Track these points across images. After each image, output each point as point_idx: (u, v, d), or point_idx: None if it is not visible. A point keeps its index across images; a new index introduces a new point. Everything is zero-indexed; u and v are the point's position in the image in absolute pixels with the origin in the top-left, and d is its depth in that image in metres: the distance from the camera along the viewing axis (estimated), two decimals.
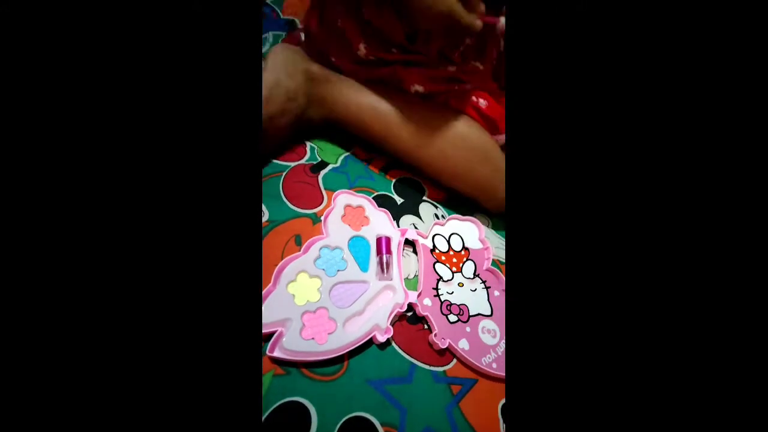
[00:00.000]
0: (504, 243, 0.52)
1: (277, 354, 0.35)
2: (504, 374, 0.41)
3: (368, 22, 0.47)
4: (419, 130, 0.48)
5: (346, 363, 0.38)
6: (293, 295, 0.39)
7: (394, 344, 0.40)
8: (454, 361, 0.41)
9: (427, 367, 0.40)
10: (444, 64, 0.50)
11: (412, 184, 0.54)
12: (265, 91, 0.45)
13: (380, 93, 0.49)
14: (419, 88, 0.49)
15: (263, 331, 0.36)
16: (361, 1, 0.46)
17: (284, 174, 0.49)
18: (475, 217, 0.52)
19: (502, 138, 0.51)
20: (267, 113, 0.45)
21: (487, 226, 0.53)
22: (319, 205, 0.48)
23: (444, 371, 0.40)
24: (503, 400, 0.40)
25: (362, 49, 0.48)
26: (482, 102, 0.50)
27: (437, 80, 0.50)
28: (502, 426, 0.39)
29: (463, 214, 0.52)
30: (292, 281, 0.40)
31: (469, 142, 0.48)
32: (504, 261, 0.51)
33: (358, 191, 0.50)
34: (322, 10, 0.51)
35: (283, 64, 0.48)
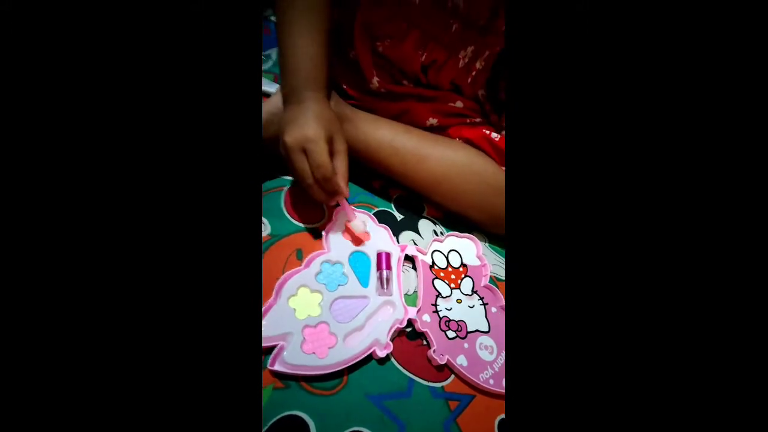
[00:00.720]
0: (502, 260, 0.53)
1: (277, 368, 0.35)
2: (501, 390, 0.41)
3: (383, 55, 0.48)
4: (436, 167, 0.49)
5: (345, 377, 0.38)
6: (294, 309, 0.39)
7: (393, 359, 0.41)
8: (452, 376, 0.42)
9: (425, 382, 0.40)
10: (454, 97, 0.52)
11: (411, 200, 0.55)
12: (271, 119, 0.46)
13: (396, 126, 0.50)
14: (433, 121, 0.51)
15: (264, 344, 0.37)
16: (377, 34, 0.48)
17: (286, 188, 0.50)
18: (473, 234, 0.53)
19: None
20: (270, 134, 0.46)
21: (485, 244, 0.54)
22: (320, 219, 0.49)
23: (442, 387, 0.41)
24: (501, 416, 0.41)
25: (375, 82, 0.50)
26: (495, 135, 0.52)
27: (449, 114, 0.51)
28: None
29: (461, 232, 0.53)
30: (293, 295, 0.40)
31: (484, 177, 0.50)
32: (501, 278, 0.51)
33: (358, 207, 0.51)
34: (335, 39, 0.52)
35: None
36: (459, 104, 0.52)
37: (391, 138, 0.49)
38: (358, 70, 0.50)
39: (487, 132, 0.52)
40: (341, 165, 0.41)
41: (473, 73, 0.51)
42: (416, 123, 0.52)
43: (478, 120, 0.53)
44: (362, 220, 0.45)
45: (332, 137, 0.41)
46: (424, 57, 0.48)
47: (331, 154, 0.41)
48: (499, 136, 0.52)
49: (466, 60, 0.50)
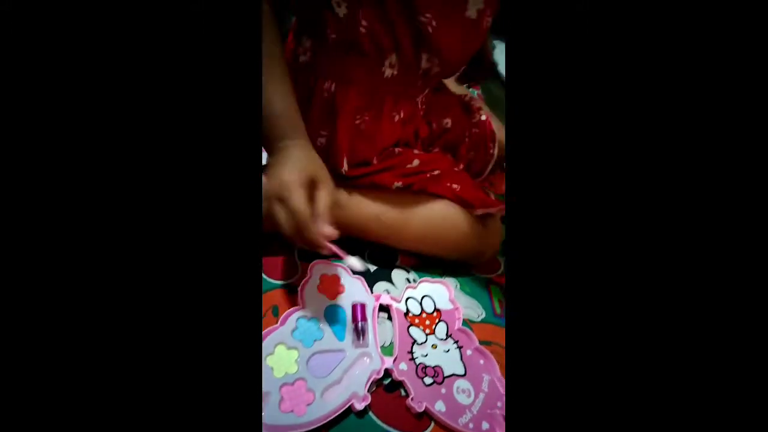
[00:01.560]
0: (473, 302, 0.55)
1: None
2: None
3: (363, 132, 0.52)
4: (419, 228, 0.56)
5: None
6: (272, 368, 0.40)
7: (371, 414, 0.41)
8: (432, 425, 0.42)
9: None
10: (411, 156, 0.56)
11: (384, 250, 0.58)
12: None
13: (377, 199, 0.55)
14: (398, 183, 0.56)
15: None
16: (362, 105, 0.51)
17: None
18: (445, 279, 0.56)
19: (476, 211, 0.57)
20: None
21: (456, 288, 0.56)
22: (294, 275, 0.50)
23: None
24: None
25: (345, 166, 0.53)
26: (455, 186, 0.57)
27: (410, 174, 0.56)
28: None
29: (433, 277, 0.55)
30: (270, 354, 0.41)
31: (457, 224, 0.56)
32: (474, 320, 0.53)
33: (333, 260, 0.53)
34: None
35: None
36: (416, 162, 0.56)
37: (377, 214, 0.54)
38: (325, 157, 0.52)
39: (449, 184, 0.56)
40: (320, 206, 0.40)
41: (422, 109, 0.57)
42: (384, 188, 0.56)
43: (436, 173, 0.57)
44: (357, 258, 0.44)
45: (314, 180, 0.41)
46: (401, 115, 0.53)
47: (314, 197, 0.41)
48: (458, 186, 0.56)
49: (423, 101, 0.56)
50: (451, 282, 0.56)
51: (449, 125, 0.66)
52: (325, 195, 0.41)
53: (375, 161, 0.55)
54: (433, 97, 0.61)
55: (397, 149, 0.56)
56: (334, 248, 0.42)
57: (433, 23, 0.44)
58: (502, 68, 1.72)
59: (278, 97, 0.43)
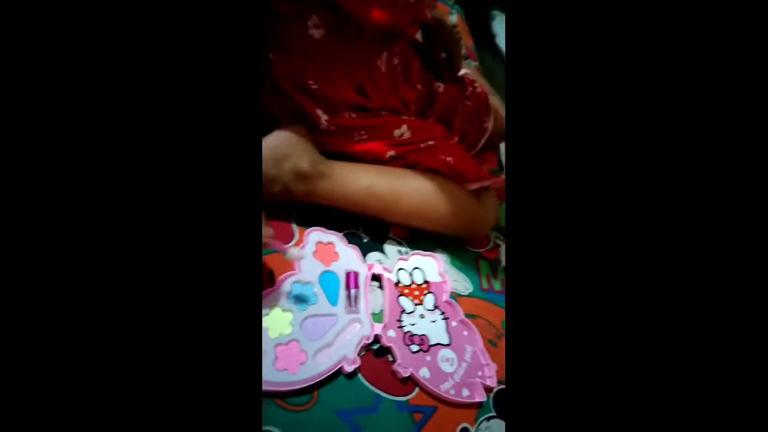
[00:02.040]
0: (462, 276, 0.57)
1: None
2: (462, 399, 0.45)
3: (317, 95, 0.52)
4: (411, 202, 0.55)
5: (316, 393, 0.40)
6: (267, 328, 0.41)
7: (360, 376, 0.43)
8: (416, 390, 0.45)
9: (391, 397, 0.43)
10: (398, 121, 0.56)
11: (376, 223, 0.58)
12: None
13: (368, 171, 0.54)
14: (392, 153, 0.55)
15: None
16: (300, 83, 0.51)
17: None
18: (435, 252, 0.57)
19: (471, 185, 0.57)
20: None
21: (446, 262, 0.58)
22: (291, 241, 0.51)
23: (407, 400, 0.44)
24: (462, 425, 0.44)
25: (324, 121, 0.53)
26: (449, 159, 0.56)
27: (402, 144, 0.56)
28: None
29: (424, 250, 0.57)
30: (266, 315, 0.42)
31: (451, 199, 0.56)
32: (461, 293, 0.55)
33: (328, 228, 0.53)
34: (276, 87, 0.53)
35: (277, 149, 0.50)
36: (404, 128, 0.56)
37: (367, 185, 0.53)
38: (304, 115, 0.53)
39: (443, 157, 0.56)
40: None
41: (399, 71, 0.57)
42: (377, 158, 0.56)
43: (430, 143, 0.57)
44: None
45: None
46: (350, 82, 0.53)
47: None
48: (452, 158, 0.56)
49: (384, 65, 0.55)
50: (442, 256, 0.58)
51: (441, 89, 0.65)
52: None
53: (354, 116, 0.54)
54: (417, 62, 0.60)
55: (383, 112, 0.56)
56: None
57: None
58: (500, 41, 1.68)
59: None
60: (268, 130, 0.51)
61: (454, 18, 1.05)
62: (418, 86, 0.61)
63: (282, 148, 0.50)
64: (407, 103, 0.59)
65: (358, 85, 0.53)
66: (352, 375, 0.42)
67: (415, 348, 0.47)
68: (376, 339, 0.46)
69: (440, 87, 0.65)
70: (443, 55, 0.69)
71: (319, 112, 0.52)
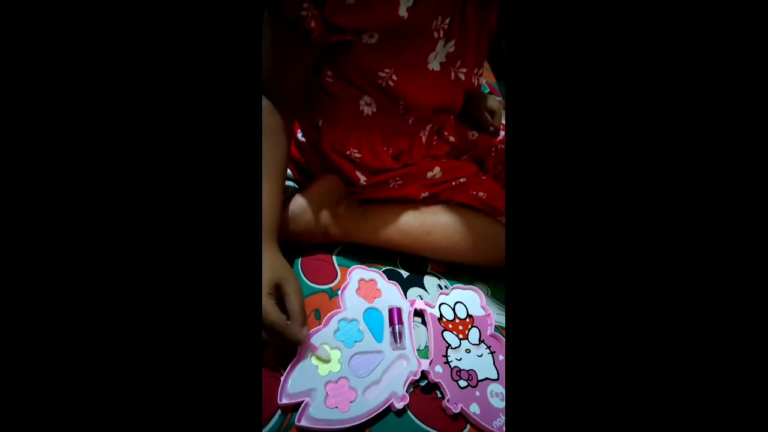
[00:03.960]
0: (504, 309, 0.57)
1: (304, 423, 0.38)
2: None
3: (357, 161, 0.55)
4: (442, 236, 0.57)
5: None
6: (316, 366, 0.42)
7: (410, 413, 0.43)
8: (468, 426, 0.44)
9: None
10: (431, 164, 0.58)
11: (414, 258, 0.60)
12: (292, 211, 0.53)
13: (398, 210, 0.57)
14: (425, 194, 0.58)
15: (291, 401, 0.39)
16: (342, 150, 0.54)
17: (300, 259, 0.55)
18: (476, 285, 0.57)
19: (504, 218, 0.58)
20: (294, 231, 0.53)
21: (487, 295, 0.58)
22: (334, 280, 0.53)
23: None
24: None
25: (363, 181, 0.56)
26: (481, 194, 0.58)
27: (435, 185, 0.58)
28: None
29: (464, 284, 0.57)
30: (314, 353, 0.43)
31: (482, 232, 0.57)
32: (503, 327, 0.55)
33: (368, 266, 0.55)
34: (317, 150, 0.57)
35: (315, 196, 0.54)
36: (437, 170, 0.59)
37: (398, 223, 0.56)
38: (343, 176, 0.57)
39: (475, 192, 0.58)
40: (293, 308, 0.41)
41: (434, 133, 0.59)
42: (412, 200, 0.58)
43: (462, 180, 0.59)
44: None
45: (279, 284, 0.42)
46: (390, 151, 0.55)
47: (283, 297, 0.42)
48: (484, 194, 0.58)
49: (427, 134, 0.57)
50: (482, 288, 0.58)
51: (475, 137, 0.68)
52: (293, 298, 0.42)
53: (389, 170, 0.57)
54: (451, 118, 0.63)
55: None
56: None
57: (393, 77, 0.46)
58: None
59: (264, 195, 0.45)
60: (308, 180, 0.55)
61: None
62: (451, 138, 0.64)
63: (318, 197, 0.54)
64: (439, 157, 0.62)
65: (398, 153, 0.56)
66: (401, 412, 0.42)
67: (463, 383, 0.46)
68: (423, 375, 0.46)
69: (474, 135, 0.68)
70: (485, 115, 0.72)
71: (358, 173, 0.56)
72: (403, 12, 0.41)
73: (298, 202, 0.54)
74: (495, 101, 0.76)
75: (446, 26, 0.45)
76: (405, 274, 0.57)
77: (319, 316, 0.48)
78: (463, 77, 0.51)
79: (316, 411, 0.39)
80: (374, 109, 0.51)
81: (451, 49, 0.47)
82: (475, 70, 0.54)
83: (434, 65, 0.47)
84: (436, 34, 0.45)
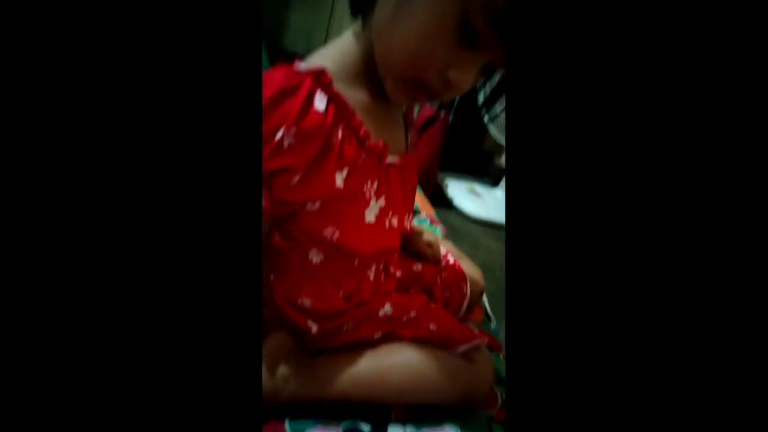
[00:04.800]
0: None
1: None
2: None
3: (310, 309, 0.56)
4: (398, 380, 0.55)
5: None
6: None
7: None
8: None
9: None
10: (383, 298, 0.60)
11: (374, 408, 0.56)
12: None
13: (350, 357, 0.56)
14: (378, 333, 0.58)
15: None
16: (301, 290, 0.56)
17: None
18: (444, 427, 0.53)
19: (459, 348, 0.58)
20: None
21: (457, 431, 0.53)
22: None
23: None
24: None
25: (313, 329, 0.57)
26: (432, 326, 0.59)
27: (386, 323, 0.59)
28: None
29: (432, 427, 0.53)
30: None
31: (444, 370, 0.55)
32: None
33: (326, 426, 0.51)
34: (268, 305, 0.58)
35: (265, 357, 0.53)
36: (388, 307, 0.60)
37: (350, 372, 0.54)
38: (294, 326, 0.57)
39: (426, 325, 0.58)
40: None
41: (381, 271, 0.62)
42: (366, 343, 0.57)
43: (412, 314, 0.60)
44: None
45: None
46: (341, 293, 0.58)
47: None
48: (435, 325, 0.58)
49: (373, 273, 0.60)
50: (452, 428, 0.53)
51: (420, 268, 0.72)
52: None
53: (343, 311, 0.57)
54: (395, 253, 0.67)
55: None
56: None
57: (336, 233, 0.52)
58: (458, 202, 1.94)
59: None
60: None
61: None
62: (398, 273, 0.67)
63: (268, 357, 0.53)
64: (388, 293, 0.64)
65: (348, 295, 0.58)
66: None
67: None
68: None
69: (418, 267, 0.72)
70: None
71: (309, 323, 0.56)
72: (339, 183, 0.47)
73: None
74: (432, 234, 0.83)
75: (375, 187, 0.52)
76: (367, 428, 0.53)
77: None
78: (396, 224, 0.57)
79: None
80: (322, 257, 0.54)
81: (383, 204, 0.54)
82: (406, 216, 0.61)
83: (370, 218, 0.53)
84: (367, 194, 0.52)
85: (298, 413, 0.53)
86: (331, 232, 0.51)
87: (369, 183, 0.51)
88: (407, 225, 0.62)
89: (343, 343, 0.57)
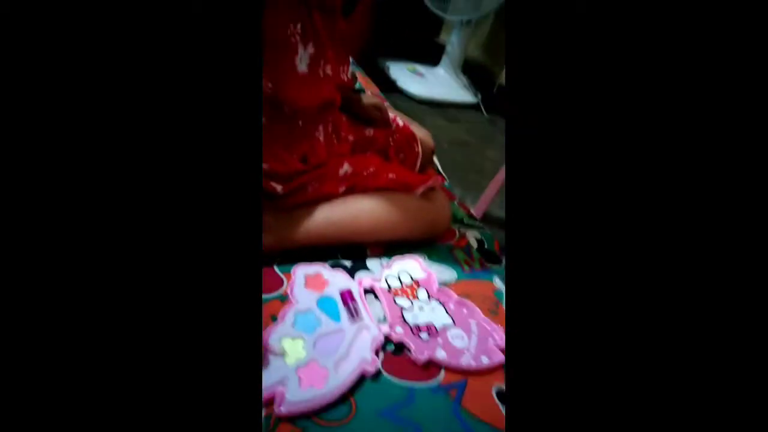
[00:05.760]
0: (442, 267, 0.62)
1: (284, 410, 0.38)
2: (484, 365, 0.47)
3: (270, 172, 0.58)
4: (368, 220, 0.61)
5: (354, 405, 0.41)
6: (283, 357, 0.42)
7: (388, 376, 0.44)
8: (442, 371, 0.46)
9: (422, 384, 0.44)
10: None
11: (353, 248, 0.62)
12: None
13: (324, 206, 0.60)
14: (342, 188, 0.62)
15: (266, 395, 0.39)
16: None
17: None
18: (412, 254, 0.62)
19: (418, 190, 0.64)
20: None
21: (425, 259, 0.62)
22: (282, 286, 0.53)
23: (438, 383, 0.45)
24: (495, 386, 0.46)
25: (278, 189, 0.59)
26: (392, 175, 0.64)
27: (347, 179, 0.63)
28: (502, 408, 0.44)
29: (402, 254, 0.61)
30: (278, 348, 0.43)
31: (409, 209, 0.62)
32: (446, 281, 0.59)
33: (309, 264, 0.57)
34: None
35: None
36: (346, 167, 0.63)
37: (324, 217, 0.59)
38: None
39: (386, 175, 0.64)
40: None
41: (332, 135, 0.65)
42: (332, 197, 0.61)
43: (371, 170, 0.64)
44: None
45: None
46: (294, 156, 0.60)
47: None
48: (394, 174, 0.64)
49: (322, 135, 0.63)
50: (420, 255, 0.62)
51: (371, 133, 0.74)
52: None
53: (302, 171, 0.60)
54: (345, 119, 0.70)
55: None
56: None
57: (271, 86, 0.53)
58: (401, 83, 1.92)
59: None
60: None
61: (357, 78, 1.20)
62: (350, 137, 0.70)
63: None
64: (344, 155, 0.67)
65: (302, 156, 0.60)
66: (377, 376, 0.44)
67: (424, 336, 0.49)
68: (388, 339, 0.48)
69: (370, 132, 0.74)
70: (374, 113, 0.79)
71: (273, 184, 0.59)
72: None
73: None
74: (373, 98, 0.83)
75: (300, 31, 0.52)
76: (348, 263, 0.60)
77: (276, 319, 0.48)
78: (330, 73, 0.58)
79: (293, 395, 0.39)
80: (266, 121, 0.55)
81: (312, 51, 0.54)
82: (341, 68, 0.62)
83: (302, 67, 0.54)
84: (293, 39, 0.52)
85: (284, 260, 0.58)
86: (267, 86, 0.52)
87: (292, 26, 0.52)
88: (344, 77, 0.63)
89: (311, 199, 0.61)
